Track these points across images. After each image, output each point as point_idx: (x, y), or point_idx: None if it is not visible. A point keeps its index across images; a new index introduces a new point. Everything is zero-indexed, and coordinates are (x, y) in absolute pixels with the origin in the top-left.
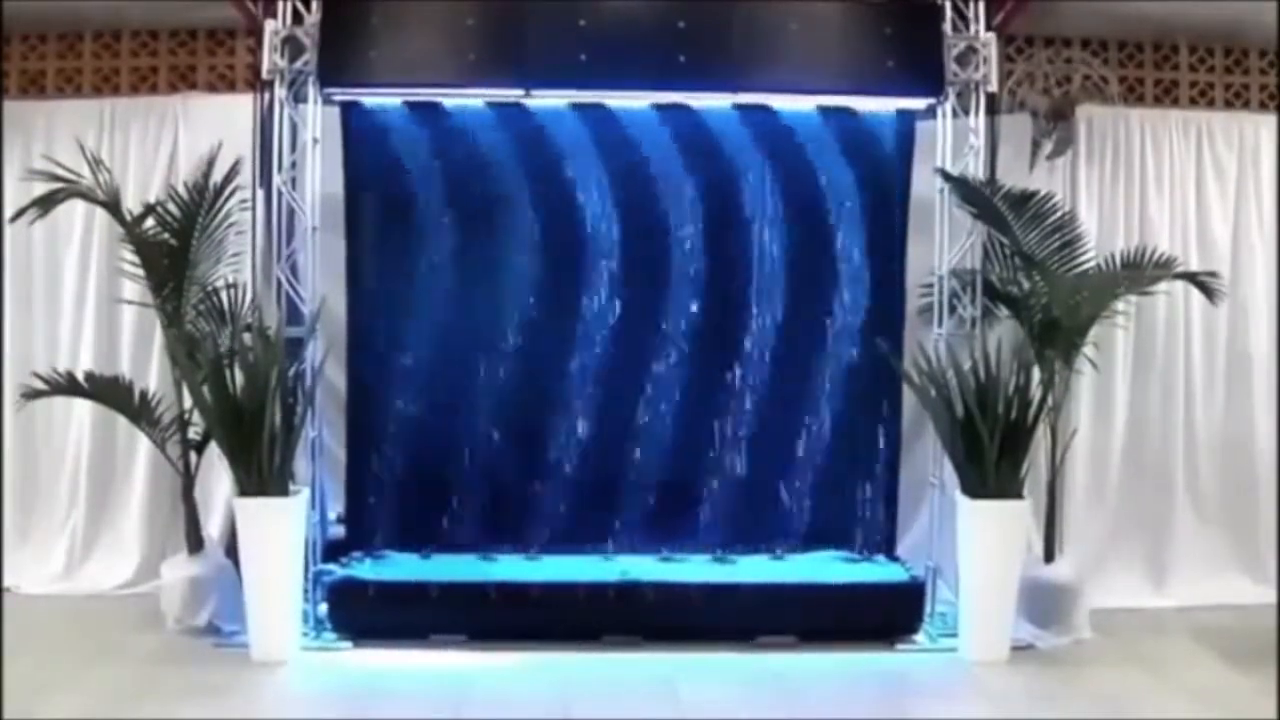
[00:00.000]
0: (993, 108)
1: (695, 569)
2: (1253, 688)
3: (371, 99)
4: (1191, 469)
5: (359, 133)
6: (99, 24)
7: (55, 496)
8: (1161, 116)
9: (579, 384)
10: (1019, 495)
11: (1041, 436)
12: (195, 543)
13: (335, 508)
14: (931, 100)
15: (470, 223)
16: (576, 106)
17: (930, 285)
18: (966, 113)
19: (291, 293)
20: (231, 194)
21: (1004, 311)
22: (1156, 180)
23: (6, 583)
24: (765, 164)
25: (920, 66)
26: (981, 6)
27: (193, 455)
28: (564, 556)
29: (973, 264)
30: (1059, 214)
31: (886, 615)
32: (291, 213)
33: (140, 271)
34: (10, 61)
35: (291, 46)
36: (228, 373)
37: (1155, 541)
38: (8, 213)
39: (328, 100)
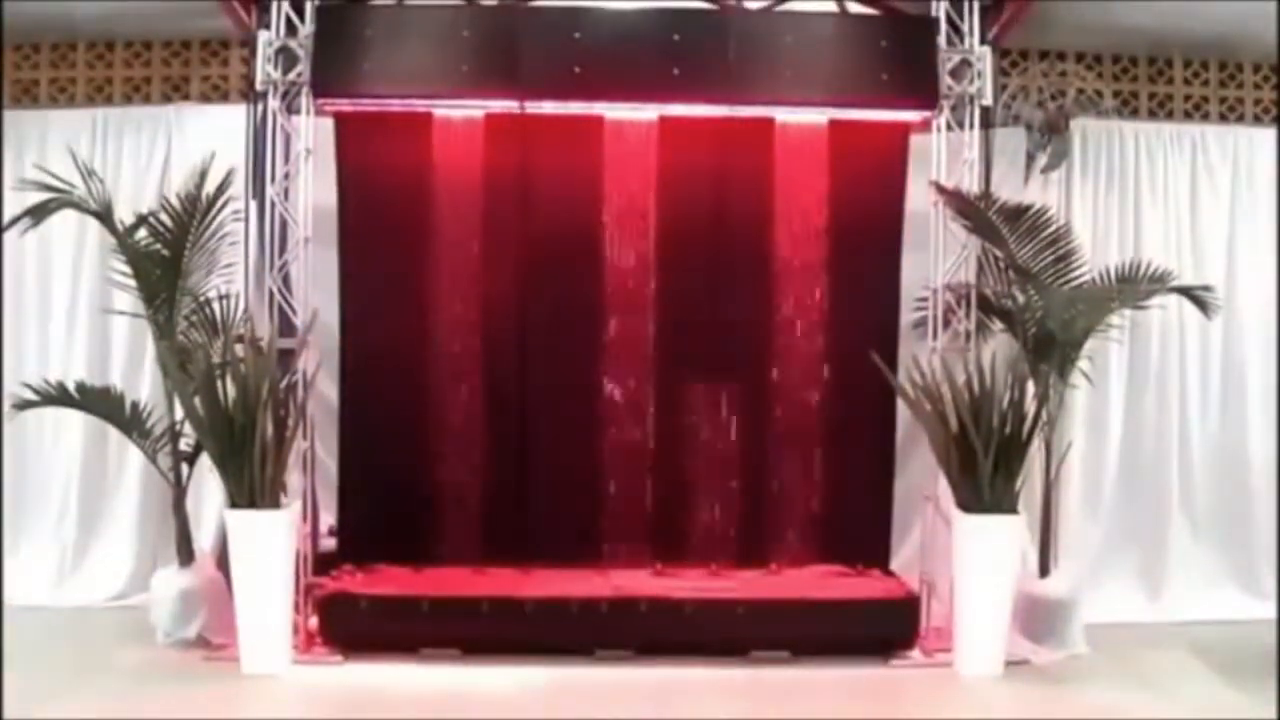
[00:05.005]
0: (987, 121)
1: (689, 583)
2: (1249, 703)
3: (365, 110)
4: (1186, 483)
5: (352, 144)
6: (92, 34)
7: (46, 508)
8: (1156, 130)
9: (573, 397)
10: (1014, 510)
11: (1036, 451)
12: (186, 555)
13: (327, 520)
14: (926, 113)
15: (463, 234)
16: (571, 118)
17: (925, 299)
18: (961, 126)
19: (284, 304)
20: (224, 205)
21: (998, 325)
22: (1151, 194)
23: None
24: (759, 177)
25: (915, 80)
26: (976, 20)
27: (184, 467)
28: (557, 570)
29: (967, 277)
30: (1054, 227)
31: (881, 630)
32: (284, 224)
33: (132, 282)
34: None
35: (285, 57)
36: (219, 384)
37: (1150, 556)
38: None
39: (321, 111)
